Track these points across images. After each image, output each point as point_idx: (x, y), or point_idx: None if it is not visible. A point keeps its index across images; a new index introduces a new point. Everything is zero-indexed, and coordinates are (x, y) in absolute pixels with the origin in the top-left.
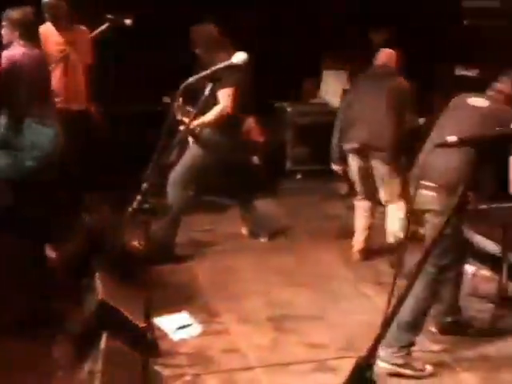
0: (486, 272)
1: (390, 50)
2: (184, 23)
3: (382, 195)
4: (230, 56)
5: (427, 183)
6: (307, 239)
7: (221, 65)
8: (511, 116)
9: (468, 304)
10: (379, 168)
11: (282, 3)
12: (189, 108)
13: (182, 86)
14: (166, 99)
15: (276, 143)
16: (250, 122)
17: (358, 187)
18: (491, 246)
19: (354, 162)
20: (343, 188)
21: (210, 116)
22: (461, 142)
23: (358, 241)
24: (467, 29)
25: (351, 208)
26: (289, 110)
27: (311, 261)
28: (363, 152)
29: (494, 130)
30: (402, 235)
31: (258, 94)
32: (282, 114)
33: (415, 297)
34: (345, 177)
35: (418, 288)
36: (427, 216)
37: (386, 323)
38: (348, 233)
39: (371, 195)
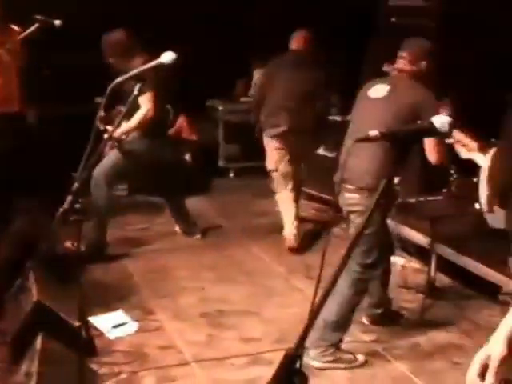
0: (415, 264)
1: (305, 33)
2: (115, 23)
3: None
4: (143, 61)
5: (348, 186)
6: (240, 236)
7: (149, 64)
8: (415, 93)
9: (398, 295)
10: (299, 152)
11: (220, 5)
12: (119, 107)
13: (110, 87)
14: (98, 99)
15: (208, 141)
16: (182, 121)
17: (278, 175)
18: (420, 239)
19: (274, 149)
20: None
21: (133, 122)
22: (382, 136)
23: (291, 233)
24: (394, 26)
25: None
26: (220, 108)
27: (244, 257)
28: (285, 138)
29: (414, 124)
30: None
31: (189, 93)
32: (214, 113)
33: (342, 296)
34: None
35: (344, 287)
36: (352, 217)
37: (313, 315)
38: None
39: (290, 180)
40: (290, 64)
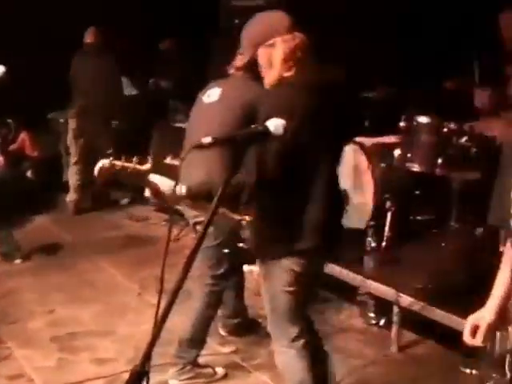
0: None
1: (94, 28)
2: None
3: None
4: None
5: None
6: (89, 253)
7: None
8: (246, 92)
9: (255, 303)
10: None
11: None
12: None
13: None
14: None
15: (50, 155)
16: (24, 137)
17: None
18: None
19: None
20: (124, 197)
21: None
22: (216, 142)
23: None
24: (237, 27)
25: (133, 217)
26: (61, 120)
27: (95, 274)
28: (83, 115)
29: (248, 128)
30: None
31: (30, 106)
32: (56, 125)
33: (195, 311)
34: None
35: (197, 301)
36: (198, 228)
37: (157, 330)
38: (131, 242)
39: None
40: (86, 54)
